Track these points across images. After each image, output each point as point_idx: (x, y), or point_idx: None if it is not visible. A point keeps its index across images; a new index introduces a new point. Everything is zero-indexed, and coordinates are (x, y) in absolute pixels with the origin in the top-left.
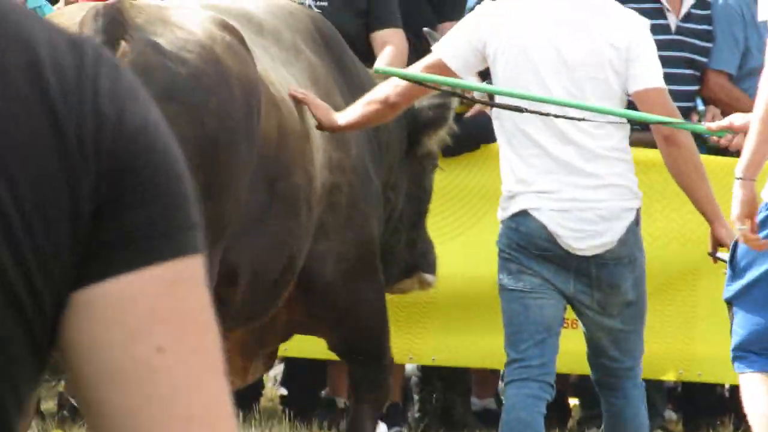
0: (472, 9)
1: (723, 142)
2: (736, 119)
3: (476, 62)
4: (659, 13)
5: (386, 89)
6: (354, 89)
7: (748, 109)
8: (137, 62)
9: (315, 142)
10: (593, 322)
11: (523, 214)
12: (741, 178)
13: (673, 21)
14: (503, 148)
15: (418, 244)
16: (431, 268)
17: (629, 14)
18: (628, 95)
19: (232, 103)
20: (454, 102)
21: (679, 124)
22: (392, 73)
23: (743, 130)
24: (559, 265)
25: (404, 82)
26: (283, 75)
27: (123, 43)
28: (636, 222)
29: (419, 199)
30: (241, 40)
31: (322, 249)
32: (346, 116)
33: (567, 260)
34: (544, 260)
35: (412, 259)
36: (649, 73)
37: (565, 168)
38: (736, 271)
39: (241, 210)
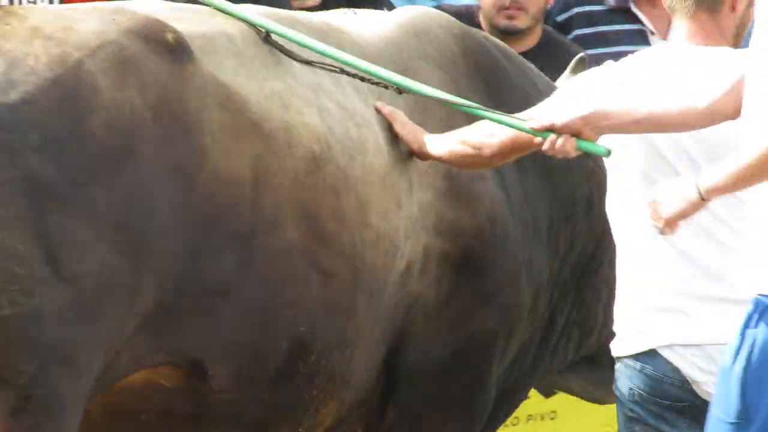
0: None
1: (547, 145)
2: (557, 119)
3: None
4: (641, 38)
5: (483, 136)
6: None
7: None
8: None
9: (398, 188)
10: None
11: (650, 354)
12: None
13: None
14: (623, 248)
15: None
16: None
17: None
18: None
19: (74, 139)
20: None
21: (498, 119)
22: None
23: (566, 131)
24: (695, 420)
25: (500, 135)
26: (324, 105)
27: None
28: None
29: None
30: (171, 49)
31: (411, 344)
32: (436, 145)
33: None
34: (676, 414)
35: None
36: None
37: (703, 273)
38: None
39: (114, 281)
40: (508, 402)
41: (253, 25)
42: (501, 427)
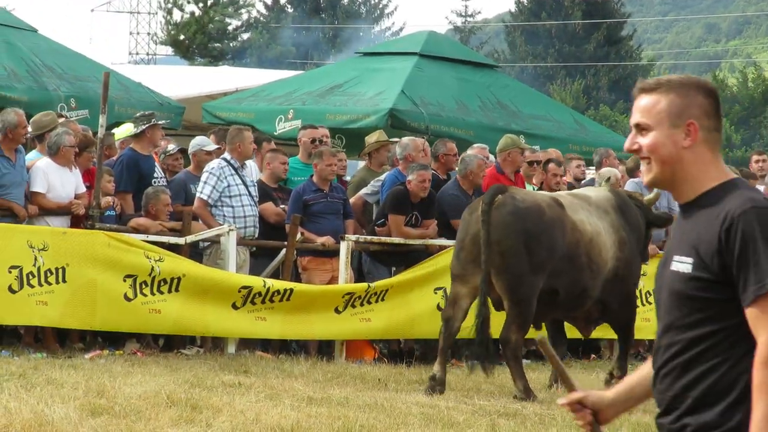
0: None
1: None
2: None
3: None
4: None
5: None
6: (635, 233)
7: None
8: None
9: (608, 244)
10: None
11: None
12: None
13: None
14: None
15: None
16: None
17: None
18: None
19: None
20: None
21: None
22: None
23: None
24: None
25: None
26: (594, 222)
27: None
28: None
29: None
30: (560, 204)
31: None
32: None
33: None
34: None
35: None
36: None
37: None
38: None
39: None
40: None
41: None
42: None
